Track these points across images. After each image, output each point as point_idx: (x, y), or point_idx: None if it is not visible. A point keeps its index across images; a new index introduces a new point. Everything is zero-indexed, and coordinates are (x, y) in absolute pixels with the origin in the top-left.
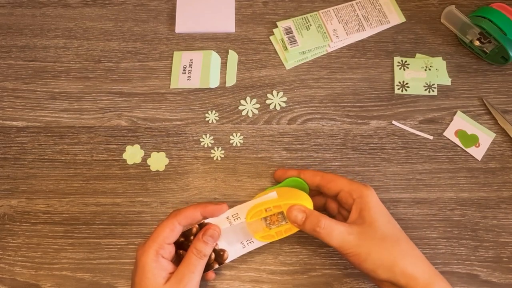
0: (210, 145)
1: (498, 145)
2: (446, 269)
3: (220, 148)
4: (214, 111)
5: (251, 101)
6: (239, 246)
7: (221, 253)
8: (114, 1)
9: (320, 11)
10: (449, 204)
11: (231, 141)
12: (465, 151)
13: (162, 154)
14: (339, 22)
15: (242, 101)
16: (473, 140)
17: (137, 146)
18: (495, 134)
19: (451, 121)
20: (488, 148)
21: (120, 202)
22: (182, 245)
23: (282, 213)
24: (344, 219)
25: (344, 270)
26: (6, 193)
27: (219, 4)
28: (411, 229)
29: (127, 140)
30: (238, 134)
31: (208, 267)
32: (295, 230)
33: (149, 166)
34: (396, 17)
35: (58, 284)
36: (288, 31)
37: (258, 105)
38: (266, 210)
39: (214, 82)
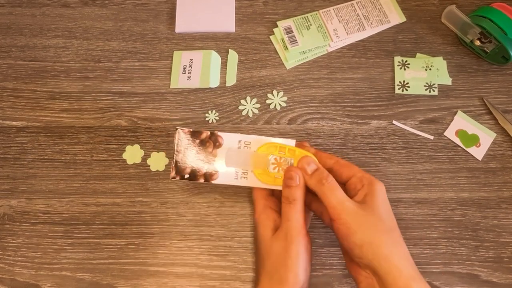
0: None
1: (498, 145)
2: (446, 269)
3: None
4: (214, 111)
5: (251, 101)
6: (232, 174)
7: (213, 173)
8: (114, 0)
9: (321, 11)
10: (450, 204)
11: None
12: (466, 151)
13: (162, 154)
14: (339, 21)
15: (242, 101)
16: (473, 140)
17: (137, 146)
18: (495, 134)
19: (451, 121)
20: (489, 148)
21: (120, 202)
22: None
23: (290, 163)
24: None
25: (344, 271)
26: (5, 193)
27: (219, 4)
28: (411, 229)
29: (127, 140)
30: (238, 133)
31: (194, 177)
32: None
33: (149, 166)
34: (396, 17)
35: (58, 284)
36: (289, 31)
37: (258, 105)
38: (279, 151)
39: (214, 82)
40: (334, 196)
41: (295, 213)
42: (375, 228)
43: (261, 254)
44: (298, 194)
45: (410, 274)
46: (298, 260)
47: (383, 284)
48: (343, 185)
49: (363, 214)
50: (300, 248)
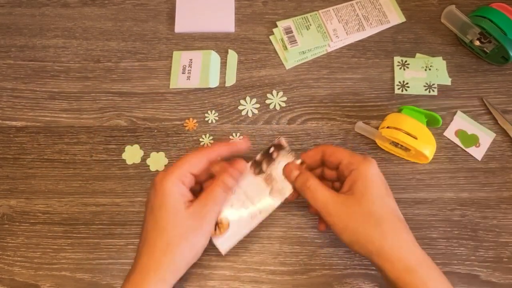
0: (209, 145)
1: (498, 145)
2: (446, 269)
3: None
4: (213, 111)
5: (250, 101)
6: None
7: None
8: (114, 0)
9: (320, 11)
10: (449, 204)
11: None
12: (465, 151)
13: (162, 154)
14: (339, 21)
15: (242, 101)
16: (473, 140)
17: (136, 146)
18: (495, 134)
19: (451, 121)
20: (488, 148)
21: (119, 202)
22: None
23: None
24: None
25: (344, 271)
26: (5, 193)
27: (219, 4)
28: (411, 229)
29: (127, 140)
30: (238, 134)
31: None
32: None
33: (149, 166)
34: (396, 17)
35: (57, 284)
36: (288, 31)
37: (257, 105)
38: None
39: (214, 82)
40: (317, 201)
41: (223, 201)
42: (363, 224)
43: (164, 221)
44: (233, 186)
45: (403, 266)
46: (206, 242)
47: (386, 271)
48: (336, 171)
49: (348, 211)
50: (210, 233)
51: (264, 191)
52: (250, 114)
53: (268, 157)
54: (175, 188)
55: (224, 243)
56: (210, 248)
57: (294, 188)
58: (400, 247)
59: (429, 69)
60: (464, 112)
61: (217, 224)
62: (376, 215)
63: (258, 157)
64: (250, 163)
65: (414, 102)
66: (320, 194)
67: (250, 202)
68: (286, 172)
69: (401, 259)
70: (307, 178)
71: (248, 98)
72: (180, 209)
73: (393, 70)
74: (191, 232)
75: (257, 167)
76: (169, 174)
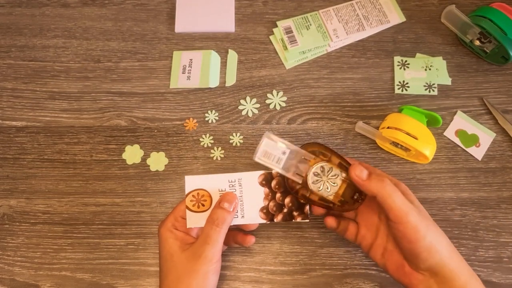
0: (209, 145)
1: (498, 145)
2: None
3: (219, 148)
4: (213, 111)
5: (251, 100)
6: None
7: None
8: (114, 0)
9: (320, 11)
10: (449, 204)
11: (230, 141)
12: (466, 151)
13: (162, 154)
14: (339, 21)
15: (242, 101)
16: (473, 140)
17: (136, 146)
18: (495, 134)
19: (451, 121)
20: (489, 148)
21: (119, 202)
22: None
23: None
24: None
25: (344, 270)
26: (5, 193)
27: (219, 4)
28: None
29: (127, 140)
30: (238, 134)
31: (291, 217)
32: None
33: (149, 166)
34: (396, 17)
35: (57, 284)
36: (288, 31)
37: (258, 105)
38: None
39: (214, 82)
40: (399, 198)
41: (218, 237)
42: (436, 229)
43: (164, 267)
44: (228, 220)
45: (469, 272)
46: (205, 282)
47: (446, 283)
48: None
49: (421, 217)
50: (210, 271)
51: (257, 204)
52: (250, 114)
53: (283, 181)
54: (168, 233)
55: (193, 221)
56: None
57: (367, 189)
58: (458, 254)
59: (429, 69)
60: (464, 112)
61: (201, 202)
62: (434, 223)
63: (274, 171)
64: (263, 171)
65: (414, 102)
66: (397, 195)
67: (239, 209)
68: (353, 175)
69: (465, 264)
70: (385, 175)
71: (248, 98)
72: (174, 253)
73: (393, 70)
74: (186, 276)
75: (266, 180)
76: (163, 222)
